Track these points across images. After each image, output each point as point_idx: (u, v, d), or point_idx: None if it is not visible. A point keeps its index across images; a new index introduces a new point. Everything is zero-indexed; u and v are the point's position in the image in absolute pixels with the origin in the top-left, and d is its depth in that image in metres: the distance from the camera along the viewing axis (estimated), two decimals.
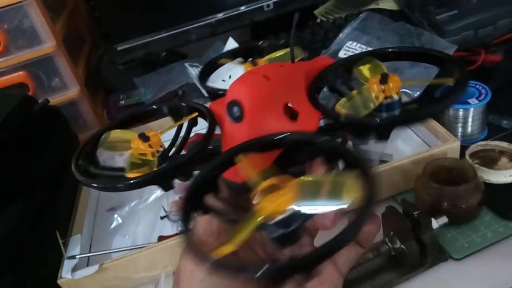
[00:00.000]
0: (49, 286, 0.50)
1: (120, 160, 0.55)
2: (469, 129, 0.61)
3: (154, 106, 0.38)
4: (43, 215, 0.54)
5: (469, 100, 0.59)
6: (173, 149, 0.35)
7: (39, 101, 0.62)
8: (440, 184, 0.49)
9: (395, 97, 0.28)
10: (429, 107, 0.28)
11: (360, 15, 0.78)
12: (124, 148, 0.32)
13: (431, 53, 0.32)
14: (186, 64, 0.86)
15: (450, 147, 0.55)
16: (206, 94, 0.78)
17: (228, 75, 0.73)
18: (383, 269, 0.47)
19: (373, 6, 0.87)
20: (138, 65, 0.91)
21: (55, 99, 0.73)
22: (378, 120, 0.27)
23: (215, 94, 0.37)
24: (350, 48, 0.73)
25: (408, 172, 0.54)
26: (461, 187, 0.48)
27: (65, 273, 0.50)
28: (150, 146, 0.31)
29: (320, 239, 0.26)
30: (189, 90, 0.82)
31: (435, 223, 0.46)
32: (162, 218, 0.58)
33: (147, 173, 0.30)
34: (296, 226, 0.23)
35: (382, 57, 0.33)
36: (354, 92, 0.30)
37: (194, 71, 0.84)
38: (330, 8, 0.96)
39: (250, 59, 0.38)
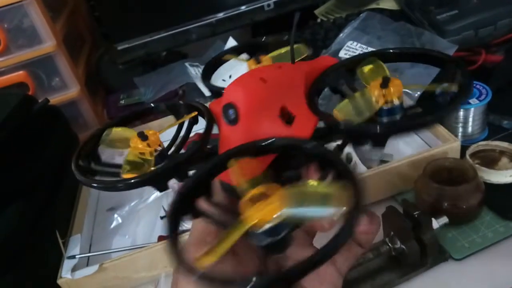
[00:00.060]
0: (49, 286, 0.50)
1: (120, 159, 0.55)
2: (470, 129, 0.61)
3: (152, 104, 0.37)
4: (43, 215, 0.54)
5: (470, 100, 0.59)
6: (172, 148, 0.35)
7: (39, 100, 0.62)
8: (440, 184, 0.49)
9: (396, 102, 0.28)
10: (430, 115, 0.27)
11: (361, 15, 0.78)
12: (124, 146, 0.32)
13: (437, 55, 0.31)
14: (186, 64, 0.86)
15: (451, 147, 0.55)
16: (206, 94, 0.78)
17: (229, 75, 0.73)
18: (383, 269, 0.47)
19: (373, 6, 0.87)
20: (138, 65, 0.91)
21: (55, 99, 0.73)
22: (378, 129, 0.26)
23: (218, 92, 0.37)
24: (350, 48, 0.73)
25: (409, 172, 0.54)
26: (462, 187, 0.48)
27: (65, 273, 0.50)
28: (148, 145, 0.30)
29: (320, 240, 0.26)
30: (189, 89, 0.82)
31: (436, 223, 0.46)
32: (162, 218, 0.58)
33: (146, 173, 0.30)
34: (284, 234, 0.23)
35: (386, 58, 0.33)
36: (353, 96, 0.30)
37: (194, 71, 0.84)
38: (331, 7, 0.96)
39: (254, 56, 0.37)
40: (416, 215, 0.45)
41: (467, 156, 0.55)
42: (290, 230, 0.23)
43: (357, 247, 0.29)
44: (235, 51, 0.41)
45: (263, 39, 0.42)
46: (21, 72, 0.71)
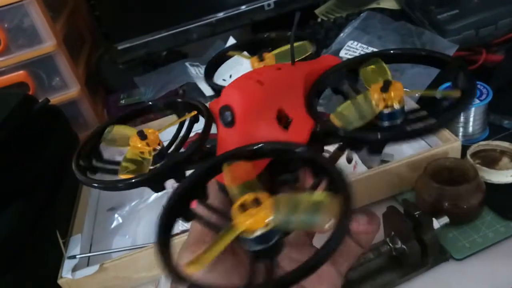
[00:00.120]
0: (49, 286, 0.50)
1: (121, 157, 0.55)
2: (470, 129, 0.61)
3: (150, 102, 0.37)
4: (43, 215, 0.54)
5: None
6: (172, 148, 0.35)
7: (40, 100, 0.62)
8: (441, 184, 0.49)
9: (397, 106, 0.27)
10: (431, 123, 0.26)
11: (361, 14, 0.78)
12: (126, 144, 0.32)
13: (441, 57, 0.31)
14: (187, 64, 0.86)
15: (451, 147, 0.55)
16: (206, 94, 0.78)
17: (229, 74, 0.73)
18: (384, 269, 0.47)
19: (374, 5, 0.87)
20: (139, 65, 0.91)
21: (55, 99, 0.73)
22: (378, 137, 0.26)
23: (220, 91, 0.36)
24: (351, 47, 0.73)
25: (409, 172, 0.54)
26: (462, 187, 0.48)
27: (66, 273, 0.50)
28: (147, 144, 0.30)
29: (319, 240, 0.26)
30: (190, 89, 0.82)
31: (436, 223, 0.46)
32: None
33: (146, 173, 0.29)
34: (275, 241, 0.23)
35: (389, 58, 0.32)
36: (353, 98, 0.29)
37: (194, 71, 0.84)
38: (331, 7, 0.96)
39: (257, 54, 0.37)
40: (416, 215, 0.45)
41: (468, 156, 0.55)
42: (281, 237, 0.23)
43: (357, 247, 0.29)
44: (238, 48, 0.41)
45: (265, 35, 0.41)
46: (21, 72, 0.71)
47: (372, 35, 0.74)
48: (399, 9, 0.83)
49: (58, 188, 0.59)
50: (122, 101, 0.87)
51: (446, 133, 0.57)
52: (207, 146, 0.32)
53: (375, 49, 0.71)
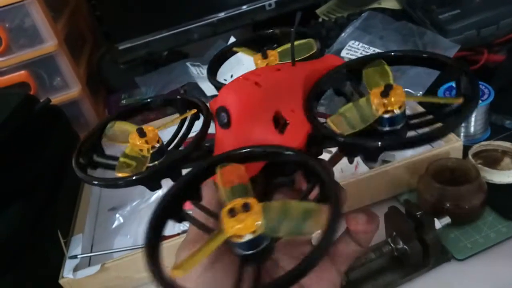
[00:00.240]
0: (49, 286, 0.50)
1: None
2: (472, 129, 0.61)
3: (148, 99, 0.37)
4: (43, 215, 0.54)
5: None
6: (172, 146, 0.34)
7: (41, 100, 0.62)
8: (442, 184, 0.49)
9: (397, 111, 0.27)
10: (430, 132, 0.26)
11: (362, 14, 0.78)
12: (126, 141, 0.32)
13: (444, 60, 0.31)
14: (188, 64, 0.86)
15: (453, 147, 0.54)
16: (207, 93, 0.78)
17: (230, 74, 0.73)
18: (386, 270, 0.47)
19: (375, 5, 0.87)
20: (140, 64, 0.91)
21: (56, 99, 0.73)
22: (379, 145, 0.25)
23: None
24: (352, 47, 0.73)
25: (411, 172, 0.54)
26: (464, 187, 0.48)
27: (67, 273, 0.50)
28: (146, 141, 0.30)
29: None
30: (191, 89, 0.82)
31: (438, 224, 0.46)
32: None
33: (145, 171, 0.29)
34: (264, 246, 0.23)
35: (393, 60, 0.32)
36: (354, 102, 0.29)
37: (195, 71, 0.84)
38: (332, 7, 0.96)
39: (261, 51, 0.36)
40: (418, 215, 0.45)
41: (470, 156, 0.55)
42: (270, 243, 0.23)
43: (356, 246, 0.29)
44: (242, 44, 0.40)
45: (270, 31, 0.40)
46: (22, 72, 0.71)
47: (374, 35, 0.74)
48: (401, 9, 0.83)
49: (59, 188, 0.59)
50: (123, 101, 0.87)
51: None
52: (206, 144, 0.32)
53: (376, 49, 0.71)
